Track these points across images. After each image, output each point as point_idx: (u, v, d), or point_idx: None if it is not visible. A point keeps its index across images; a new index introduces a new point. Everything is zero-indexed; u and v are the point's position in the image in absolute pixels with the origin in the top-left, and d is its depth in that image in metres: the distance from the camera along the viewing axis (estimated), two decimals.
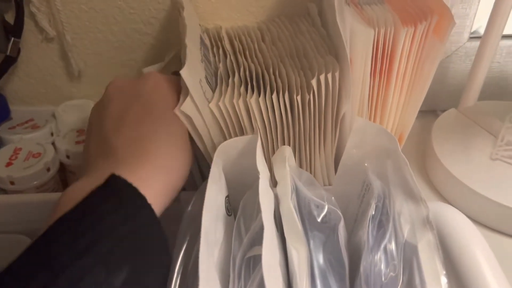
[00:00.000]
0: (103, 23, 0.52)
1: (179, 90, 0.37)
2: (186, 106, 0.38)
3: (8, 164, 0.45)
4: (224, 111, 0.39)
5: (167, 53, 0.54)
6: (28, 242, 0.42)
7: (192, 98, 0.39)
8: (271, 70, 0.41)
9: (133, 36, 0.54)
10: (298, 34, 0.47)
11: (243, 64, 0.42)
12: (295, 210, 0.30)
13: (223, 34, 0.48)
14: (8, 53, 0.47)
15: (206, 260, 0.27)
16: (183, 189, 0.46)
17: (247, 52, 0.45)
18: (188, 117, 0.39)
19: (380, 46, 0.38)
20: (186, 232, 0.32)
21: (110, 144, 0.31)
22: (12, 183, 0.44)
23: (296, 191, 0.33)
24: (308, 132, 0.40)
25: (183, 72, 0.38)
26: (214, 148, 0.41)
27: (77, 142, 0.49)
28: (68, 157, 0.48)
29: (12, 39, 0.47)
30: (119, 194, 0.26)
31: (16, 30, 0.47)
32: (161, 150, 0.32)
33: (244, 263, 0.29)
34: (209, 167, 0.42)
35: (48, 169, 0.46)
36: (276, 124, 0.40)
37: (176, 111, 0.38)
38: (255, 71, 0.41)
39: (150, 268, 0.26)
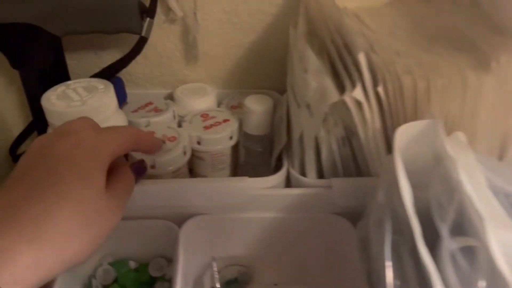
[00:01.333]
0: (230, 3, 0.50)
1: (106, 147, 0.31)
2: (358, 92, 0.37)
3: None
4: (391, 94, 0.37)
5: None
6: (174, 228, 0.42)
7: (363, 83, 0.37)
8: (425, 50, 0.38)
9: (257, 16, 0.52)
10: (439, 13, 0.45)
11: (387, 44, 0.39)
12: None
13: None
14: (143, 34, 0.45)
15: (425, 251, 0.26)
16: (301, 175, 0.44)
17: (387, 32, 0.42)
18: (357, 103, 0.38)
19: None
20: (382, 223, 0.30)
21: None
22: (152, 167, 0.43)
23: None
24: (477, 116, 0.37)
25: (361, 57, 0.36)
26: (374, 134, 0.40)
27: (205, 127, 0.48)
28: (198, 143, 0.47)
29: (148, 19, 0.45)
30: None
31: (150, 11, 0.45)
32: (41, 218, 0.26)
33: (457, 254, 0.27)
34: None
35: (185, 153, 0.45)
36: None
37: (346, 97, 0.37)
38: (410, 52, 0.39)
39: None
